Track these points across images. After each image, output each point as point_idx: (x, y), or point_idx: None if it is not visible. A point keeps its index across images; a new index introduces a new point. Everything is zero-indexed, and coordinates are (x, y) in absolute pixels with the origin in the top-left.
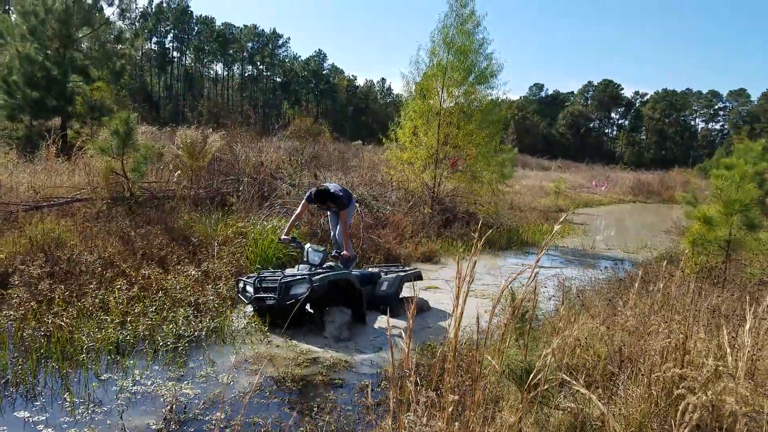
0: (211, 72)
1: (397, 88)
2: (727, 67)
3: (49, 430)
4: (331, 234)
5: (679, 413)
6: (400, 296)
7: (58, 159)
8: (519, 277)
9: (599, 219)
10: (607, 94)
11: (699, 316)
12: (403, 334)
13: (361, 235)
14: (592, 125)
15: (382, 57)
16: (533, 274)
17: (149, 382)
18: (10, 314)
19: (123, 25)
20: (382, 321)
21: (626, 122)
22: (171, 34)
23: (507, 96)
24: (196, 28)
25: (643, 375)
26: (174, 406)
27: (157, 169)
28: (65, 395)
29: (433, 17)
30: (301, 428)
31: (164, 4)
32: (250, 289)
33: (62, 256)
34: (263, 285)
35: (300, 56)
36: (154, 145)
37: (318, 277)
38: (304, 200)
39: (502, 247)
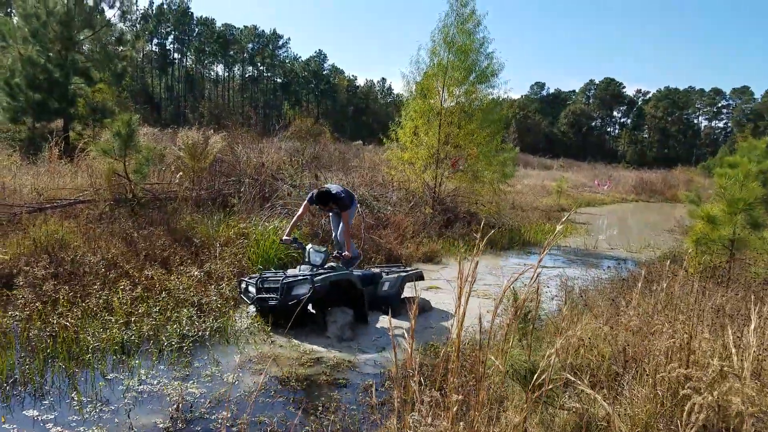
0: (212, 73)
1: (398, 87)
2: (730, 65)
3: (58, 428)
4: (333, 234)
5: (685, 413)
6: (402, 296)
7: (60, 161)
8: (521, 277)
9: (602, 218)
10: (609, 92)
11: (703, 315)
12: (406, 334)
13: (362, 235)
14: (594, 124)
15: (382, 57)
16: (536, 274)
17: (155, 382)
18: (16, 315)
19: (124, 27)
20: (384, 321)
21: (628, 121)
22: (172, 36)
23: (508, 95)
24: (197, 30)
25: (648, 375)
26: (180, 405)
27: (159, 171)
28: (73, 394)
29: (433, 17)
30: (307, 427)
31: (165, 6)
32: (252, 289)
33: (66, 257)
34: (265, 285)
35: (300, 57)
36: (155, 147)
37: (320, 277)
38: (305, 201)
39: (504, 246)
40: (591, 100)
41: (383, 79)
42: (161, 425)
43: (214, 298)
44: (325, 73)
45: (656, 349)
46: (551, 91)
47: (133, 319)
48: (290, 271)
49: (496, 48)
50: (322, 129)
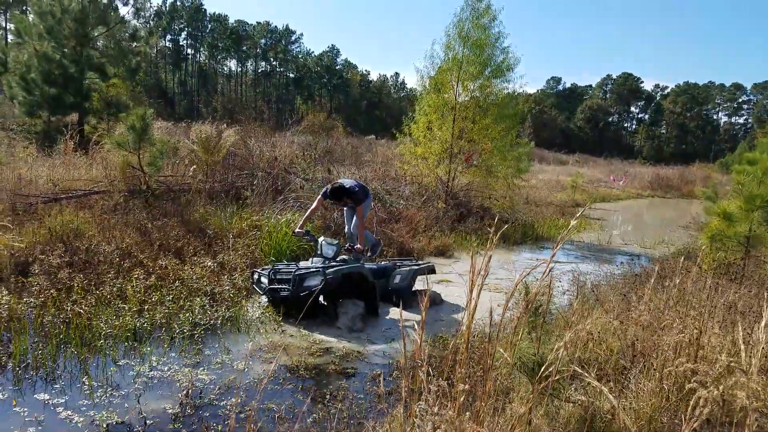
0: (225, 68)
1: (411, 82)
2: (752, 59)
3: (69, 412)
4: (346, 228)
5: (690, 408)
6: (413, 289)
7: (75, 153)
8: (533, 272)
9: (616, 214)
10: (627, 87)
11: (714, 312)
12: (416, 326)
13: (374, 229)
14: (610, 119)
15: (396, 51)
16: (548, 269)
17: (166, 368)
18: (31, 301)
19: (138, 24)
20: (394, 313)
21: (646, 116)
22: (185, 32)
23: (524, 89)
24: (210, 26)
25: (655, 369)
26: (190, 391)
27: (173, 164)
28: (84, 379)
29: (446, 11)
30: (314, 415)
31: (178, 3)
32: (264, 280)
33: (81, 246)
34: (278, 277)
35: (313, 52)
36: (169, 140)
37: (332, 269)
38: (319, 196)
39: (517, 241)
40: (608, 95)
41: (396, 73)
42: (170, 411)
43: (227, 288)
44: (338, 67)
45: (665, 344)
46: (568, 85)
47: (146, 307)
48: (302, 263)
49: (512, 42)
50: (334, 123)
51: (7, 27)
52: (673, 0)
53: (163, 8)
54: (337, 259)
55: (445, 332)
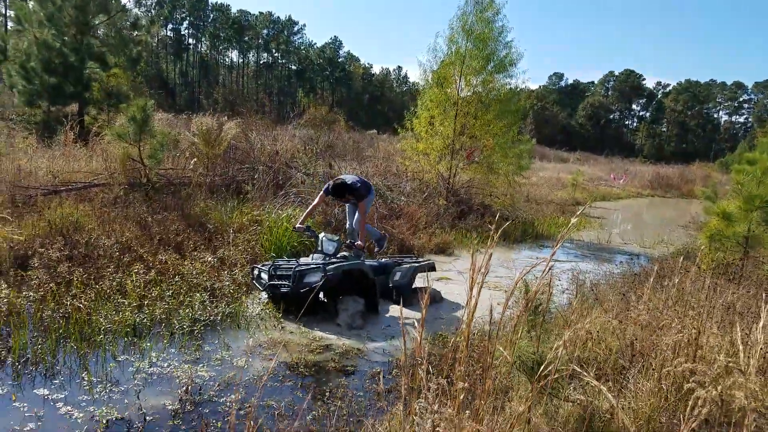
0: (227, 59)
1: (414, 76)
2: (753, 58)
3: (68, 407)
4: (347, 224)
5: (688, 408)
6: (413, 287)
7: (75, 144)
8: (533, 270)
9: (616, 213)
10: (629, 84)
11: (713, 312)
12: (416, 324)
13: (374, 225)
14: (612, 117)
15: (399, 44)
16: (548, 267)
17: (165, 364)
18: (30, 295)
19: (139, 12)
20: (394, 310)
21: (647, 114)
22: (186, 21)
23: (526, 85)
24: (212, 15)
25: (654, 369)
26: (189, 388)
27: (173, 156)
28: (83, 374)
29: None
30: (314, 412)
31: None
32: (264, 276)
33: (80, 239)
34: (278, 273)
35: (315, 43)
36: (170, 132)
37: (332, 266)
38: (321, 192)
39: (517, 239)
40: (610, 92)
41: (399, 67)
42: (170, 407)
43: (227, 283)
44: (340, 60)
45: (664, 344)
46: (570, 82)
47: (145, 302)
48: (303, 260)
49: (515, 37)
50: (336, 117)
51: (7, 14)
52: None
53: None
54: (338, 255)
55: (445, 330)
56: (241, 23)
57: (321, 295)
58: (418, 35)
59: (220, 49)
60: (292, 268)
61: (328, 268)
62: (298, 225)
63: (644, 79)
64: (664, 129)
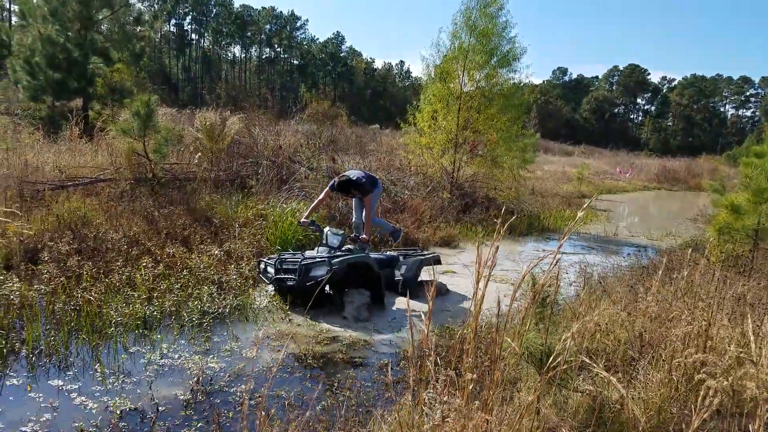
0: (229, 54)
1: (416, 71)
2: (760, 52)
3: (82, 398)
4: (353, 218)
5: (699, 398)
6: (419, 279)
7: (80, 139)
8: (540, 263)
9: (623, 206)
10: (633, 78)
11: (723, 304)
12: (422, 316)
13: (379, 219)
14: (617, 111)
15: (401, 39)
16: (555, 260)
17: (176, 356)
18: (41, 288)
19: (142, 7)
20: (400, 303)
21: (652, 108)
22: (189, 16)
23: (530, 79)
24: (215, 10)
25: (663, 360)
26: (200, 378)
27: (178, 151)
28: (96, 366)
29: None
30: (323, 402)
31: None
32: (271, 270)
33: (89, 233)
34: (284, 266)
35: (318, 38)
36: (174, 127)
37: (337, 259)
38: (327, 188)
39: (523, 232)
40: (614, 87)
41: (401, 62)
42: (182, 397)
43: (234, 276)
44: (342, 55)
45: (673, 336)
46: (574, 76)
47: (155, 295)
48: (308, 253)
49: (519, 32)
50: (338, 112)
51: (11, 9)
52: None
53: None
54: (343, 248)
55: (452, 322)
56: (243, 18)
57: (327, 288)
58: (421, 30)
59: (222, 45)
60: (297, 261)
61: (333, 261)
62: (303, 219)
63: (649, 74)
64: (670, 123)
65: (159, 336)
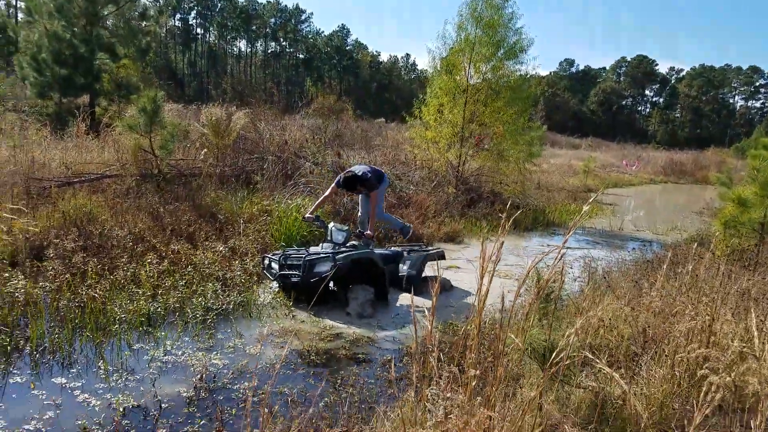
0: (235, 49)
1: (422, 64)
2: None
3: (86, 395)
4: (359, 213)
5: (702, 394)
6: (423, 275)
7: (87, 136)
8: (545, 258)
9: (629, 199)
10: (641, 70)
11: (727, 299)
12: (426, 312)
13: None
14: (624, 102)
15: (407, 32)
16: (560, 255)
17: (180, 353)
18: (46, 286)
19: (147, 2)
20: (403, 299)
21: (660, 100)
22: (194, 11)
23: (536, 71)
24: (219, 5)
25: (666, 356)
26: (204, 375)
27: (183, 147)
28: (99, 363)
29: None
30: (326, 399)
31: None
32: (275, 266)
33: (94, 230)
34: (288, 262)
35: (323, 32)
36: (180, 123)
37: (341, 255)
38: (333, 185)
39: (528, 227)
40: (622, 78)
41: (407, 54)
42: (185, 394)
43: (238, 273)
44: (348, 48)
45: (677, 331)
46: (581, 68)
47: (159, 292)
48: (312, 249)
49: (526, 23)
50: (344, 106)
51: (18, 5)
52: None
53: None
54: (347, 244)
55: (456, 318)
56: (248, 12)
57: (331, 284)
58: (428, 22)
59: (228, 39)
60: (302, 257)
61: (337, 257)
62: (307, 215)
63: (657, 65)
64: (678, 115)
65: (163, 333)
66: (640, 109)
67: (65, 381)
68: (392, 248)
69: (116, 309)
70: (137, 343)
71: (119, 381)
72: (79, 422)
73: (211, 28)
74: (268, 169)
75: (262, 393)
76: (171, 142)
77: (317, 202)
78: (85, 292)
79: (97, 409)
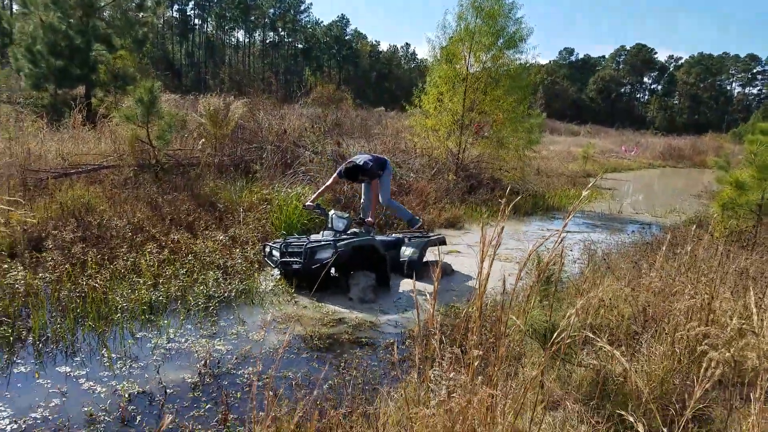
0: (233, 39)
1: (422, 53)
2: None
3: (91, 383)
4: (362, 200)
5: (702, 369)
6: (424, 260)
7: (84, 127)
8: (545, 243)
9: (627, 183)
10: (640, 58)
11: (726, 278)
12: (428, 296)
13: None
14: (623, 90)
15: (406, 21)
16: (560, 238)
17: (183, 340)
18: (46, 276)
19: None
20: (405, 285)
21: (659, 87)
22: (192, 2)
23: (536, 60)
24: None
25: (666, 334)
26: (208, 361)
27: (181, 137)
28: (103, 351)
29: None
30: (330, 382)
31: None
32: (276, 253)
33: (93, 221)
34: (289, 250)
35: (322, 21)
36: (177, 113)
37: (342, 242)
38: (335, 175)
39: (527, 212)
40: (621, 66)
41: (407, 44)
42: (190, 380)
43: (239, 261)
44: (347, 38)
45: (676, 310)
46: (580, 56)
47: (160, 280)
48: (313, 237)
49: (526, 13)
50: (343, 95)
51: None
52: None
53: None
54: (348, 232)
55: (457, 302)
56: (246, 2)
57: (332, 270)
58: (427, 12)
59: (226, 29)
60: (303, 245)
61: (338, 244)
62: (308, 203)
63: (656, 53)
64: (676, 101)
65: (165, 321)
66: (638, 96)
67: (69, 370)
68: (393, 234)
69: (117, 298)
70: (140, 331)
71: (123, 368)
72: (86, 409)
73: (209, 19)
74: (267, 158)
75: (267, 377)
76: (168, 133)
77: (318, 191)
78: (85, 282)
79: (102, 396)
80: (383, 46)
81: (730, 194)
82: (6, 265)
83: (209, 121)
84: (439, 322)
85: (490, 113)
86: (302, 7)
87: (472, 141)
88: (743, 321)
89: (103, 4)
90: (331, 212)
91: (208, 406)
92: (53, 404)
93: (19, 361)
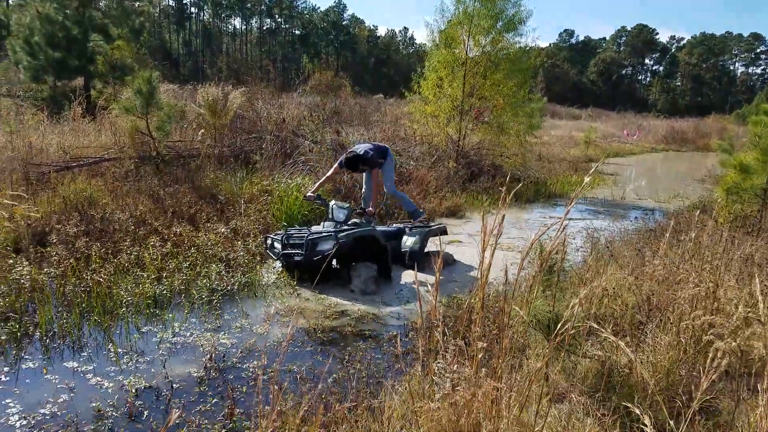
0: (230, 27)
1: (420, 37)
2: None
3: (98, 378)
4: (363, 190)
5: (708, 360)
6: (426, 251)
7: (83, 119)
8: (547, 231)
9: (630, 168)
10: (641, 39)
11: (731, 265)
12: (429, 287)
13: (383, 191)
14: (624, 72)
15: (404, 4)
16: (562, 226)
17: (188, 333)
18: (51, 271)
19: None
20: (406, 276)
21: (661, 68)
22: None
23: (536, 43)
24: None
25: (671, 323)
26: (213, 355)
27: (181, 128)
28: (109, 346)
29: None
30: (334, 375)
31: None
32: (278, 245)
33: (95, 214)
34: (290, 242)
35: (319, 7)
36: (176, 104)
37: (343, 233)
38: (335, 165)
39: (529, 199)
40: (622, 48)
41: (405, 28)
42: (196, 374)
43: (241, 253)
44: (344, 23)
45: (681, 298)
46: (581, 38)
47: (164, 274)
48: (314, 228)
49: None
50: (342, 82)
51: None
52: None
53: None
54: (349, 222)
55: (459, 292)
56: None
57: (334, 262)
58: None
59: (222, 17)
60: (304, 236)
61: (339, 235)
62: (308, 194)
63: (657, 34)
64: (679, 83)
65: (170, 315)
66: (640, 78)
67: (77, 365)
68: (394, 225)
69: (122, 292)
70: (145, 325)
71: (130, 363)
72: (93, 404)
73: (205, 7)
74: (266, 148)
75: (272, 371)
76: (168, 124)
77: (319, 182)
78: (90, 277)
79: (110, 391)
80: (381, 31)
81: (734, 178)
82: (11, 261)
83: (208, 112)
84: (441, 313)
85: (490, 98)
86: None
87: (472, 127)
88: (749, 309)
89: None
90: (332, 203)
91: (215, 400)
92: (62, 400)
93: (27, 356)
